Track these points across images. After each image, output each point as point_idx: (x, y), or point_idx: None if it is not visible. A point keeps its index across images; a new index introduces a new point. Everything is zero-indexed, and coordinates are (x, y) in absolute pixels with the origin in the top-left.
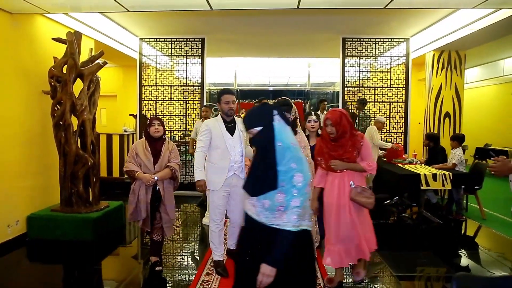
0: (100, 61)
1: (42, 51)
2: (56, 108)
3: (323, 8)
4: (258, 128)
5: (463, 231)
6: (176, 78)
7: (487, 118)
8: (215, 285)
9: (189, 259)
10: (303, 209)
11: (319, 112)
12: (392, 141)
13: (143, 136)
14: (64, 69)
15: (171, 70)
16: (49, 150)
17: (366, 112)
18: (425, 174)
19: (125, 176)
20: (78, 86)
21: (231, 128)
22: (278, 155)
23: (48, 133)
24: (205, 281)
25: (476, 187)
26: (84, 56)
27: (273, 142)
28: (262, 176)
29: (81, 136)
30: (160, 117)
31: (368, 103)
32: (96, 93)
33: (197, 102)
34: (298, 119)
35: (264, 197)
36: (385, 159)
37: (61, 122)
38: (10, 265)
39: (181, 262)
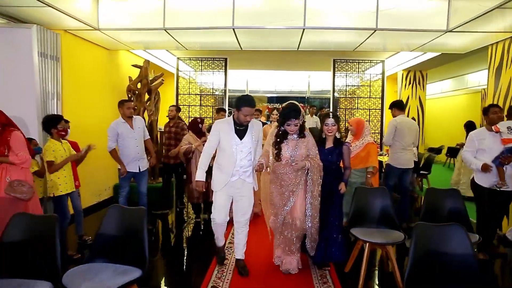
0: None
1: (121, 72)
2: None
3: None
4: None
5: (414, 203)
6: (204, 88)
7: (458, 122)
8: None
9: None
10: None
11: (309, 115)
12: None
13: (188, 131)
14: (138, 85)
15: (201, 82)
16: None
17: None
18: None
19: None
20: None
21: (241, 132)
22: None
23: None
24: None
25: (424, 172)
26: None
27: None
28: None
29: (150, 131)
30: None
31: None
32: (159, 102)
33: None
34: (305, 123)
35: None
36: None
37: None
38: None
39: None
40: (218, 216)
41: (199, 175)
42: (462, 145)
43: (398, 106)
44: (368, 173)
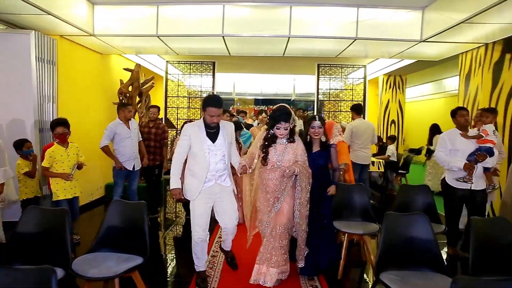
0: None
1: (113, 76)
2: None
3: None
4: None
5: (392, 200)
6: (193, 91)
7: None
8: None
9: None
10: None
11: (296, 117)
12: None
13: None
14: (130, 88)
15: (189, 85)
16: None
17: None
18: None
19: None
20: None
21: (213, 134)
22: None
23: None
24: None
25: (403, 171)
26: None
27: None
28: None
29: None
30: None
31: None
32: (149, 104)
33: None
34: (296, 127)
35: None
36: None
37: None
38: (96, 214)
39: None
40: (196, 227)
41: (174, 183)
42: (427, 144)
43: (356, 110)
44: (340, 170)
